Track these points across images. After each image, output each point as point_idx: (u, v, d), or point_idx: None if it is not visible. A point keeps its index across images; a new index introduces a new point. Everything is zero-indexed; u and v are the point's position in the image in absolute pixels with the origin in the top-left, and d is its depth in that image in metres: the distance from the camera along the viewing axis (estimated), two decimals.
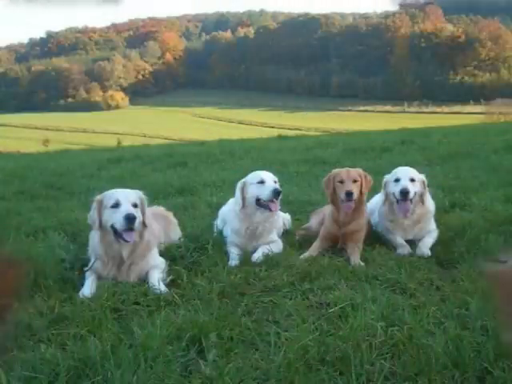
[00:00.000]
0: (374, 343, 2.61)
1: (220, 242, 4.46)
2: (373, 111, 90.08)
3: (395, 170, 4.52)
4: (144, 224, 3.74)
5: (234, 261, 4.11)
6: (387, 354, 2.56)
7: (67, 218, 5.50)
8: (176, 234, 4.64)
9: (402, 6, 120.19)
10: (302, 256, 4.19)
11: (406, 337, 2.65)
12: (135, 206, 3.68)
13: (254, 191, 4.25)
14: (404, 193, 4.29)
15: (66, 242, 4.52)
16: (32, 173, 9.68)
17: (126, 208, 3.59)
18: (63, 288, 3.60)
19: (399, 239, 4.46)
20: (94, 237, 3.78)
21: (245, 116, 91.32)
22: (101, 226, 3.67)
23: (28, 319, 3.05)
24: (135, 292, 3.42)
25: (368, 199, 4.70)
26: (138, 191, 3.84)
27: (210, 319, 2.94)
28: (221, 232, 4.69)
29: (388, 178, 4.54)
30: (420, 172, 4.55)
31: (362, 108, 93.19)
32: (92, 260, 3.80)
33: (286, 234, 4.86)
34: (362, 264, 3.98)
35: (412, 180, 4.38)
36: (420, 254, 4.23)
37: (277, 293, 3.43)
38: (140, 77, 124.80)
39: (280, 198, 4.23)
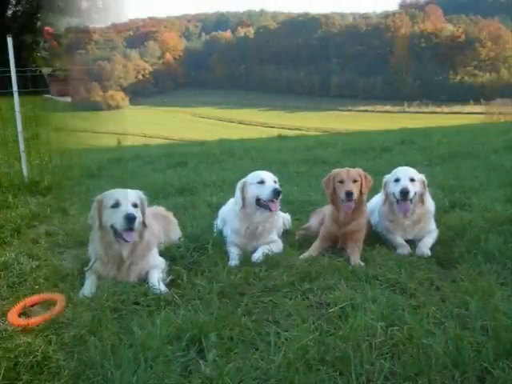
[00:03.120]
0: (373, 343, 2.62)
1: (220, 242, 4.46)
2: (373, 111, 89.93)
3: (395, 170, 4.52)
4: (144, 224, 3.74)
5: (233, 261, 4.10)
6: (387, 353, 2.57)
7: None
8: (176, 234, 4.64)
9: (402, 6, 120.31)
10: (301, 256, 4.19)
11: (406, 337, 2.66)
12: (135, 206, 3.68)
13: (253, 191, 4.25)
14: (404, 193, 4.30)
15: (66, 242, 4.52)
16: None
17: (126, 208, 3.59)
18: (63, 288, 3.60)
19: (399, 239, 4.45)
20: (94, 237, 3.78)
21: (245, 116, 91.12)
22: (101, 226, 3.67)
23: None
24: (135, 292, 3.42)
25: (368, 199, 4.69)
26: (138, 191, 3.84)
27: (210, 319, 2.94)
28: (221, 232, 4.69)
29: (388, 177, 4.55)
30: (420, 172, 4.55)
31: (361, 108, 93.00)
32: (92, 260, 3.80)
33: (286, 234, 4.86)
34: (362, 264, 3.98)
35: (412, 180, 4.38)
36: (420, 254, 4.23)
37: (277, 293, 3.43)
38: (140, 77, 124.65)
39: (280, 197, 4.23)
